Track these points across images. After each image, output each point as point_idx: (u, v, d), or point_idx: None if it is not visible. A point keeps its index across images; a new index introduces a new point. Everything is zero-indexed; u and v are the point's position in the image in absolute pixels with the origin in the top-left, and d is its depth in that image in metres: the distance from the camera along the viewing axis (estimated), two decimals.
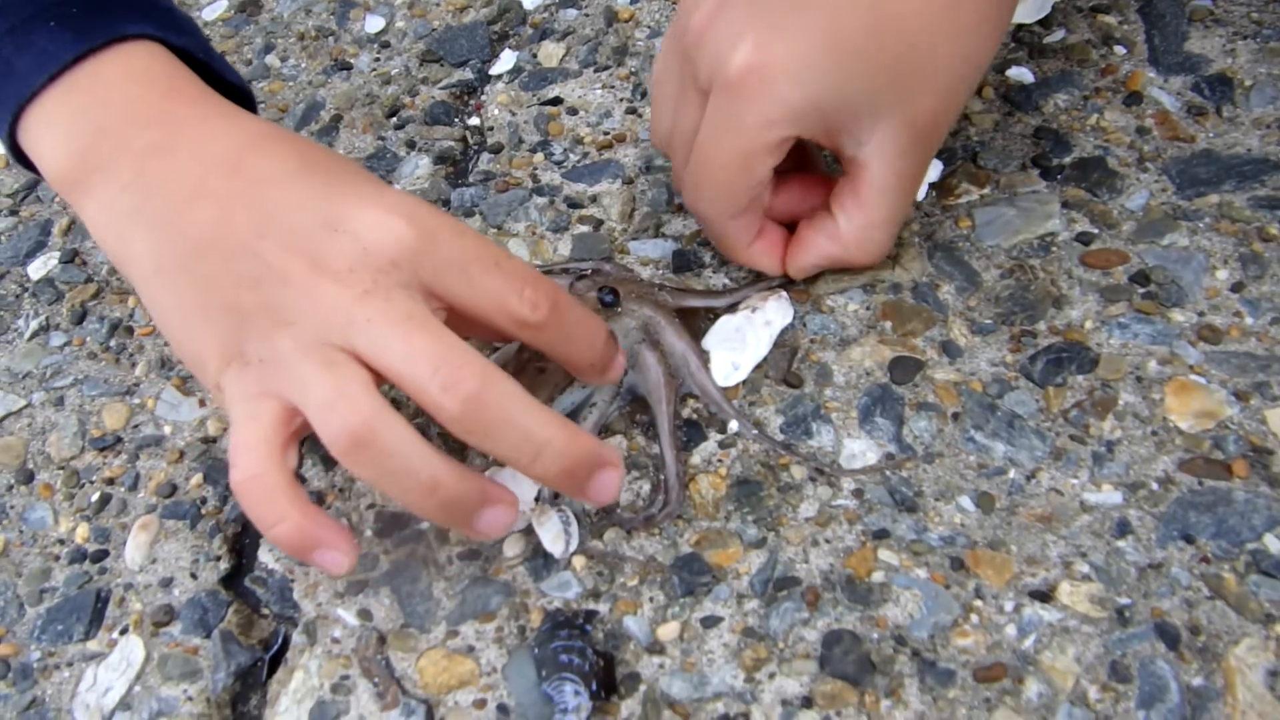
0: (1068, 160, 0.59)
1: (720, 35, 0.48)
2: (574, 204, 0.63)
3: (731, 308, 0.55)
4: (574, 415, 0.53)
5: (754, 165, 0.50)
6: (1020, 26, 0.65)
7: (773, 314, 0.55)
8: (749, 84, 0.47)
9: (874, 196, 0.50)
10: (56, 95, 0.50)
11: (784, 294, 0.55)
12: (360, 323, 0.42)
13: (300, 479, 0.55)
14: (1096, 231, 0.56)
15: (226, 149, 0.47)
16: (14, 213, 0.71)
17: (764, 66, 0.47)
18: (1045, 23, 0.65)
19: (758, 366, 0.54)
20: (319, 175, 0.46)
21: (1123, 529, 0.47)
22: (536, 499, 0.51)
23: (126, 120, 0.49)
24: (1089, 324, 0.53)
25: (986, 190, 0.58)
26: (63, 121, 0.50)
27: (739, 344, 0.54)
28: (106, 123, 0.49)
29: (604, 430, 0.53)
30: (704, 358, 0.54)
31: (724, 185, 0.51)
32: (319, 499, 0.54)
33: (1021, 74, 0.63)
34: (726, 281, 0.57)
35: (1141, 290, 0.53)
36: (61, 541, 0.55)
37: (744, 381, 0.54)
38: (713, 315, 0.55)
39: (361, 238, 0.43)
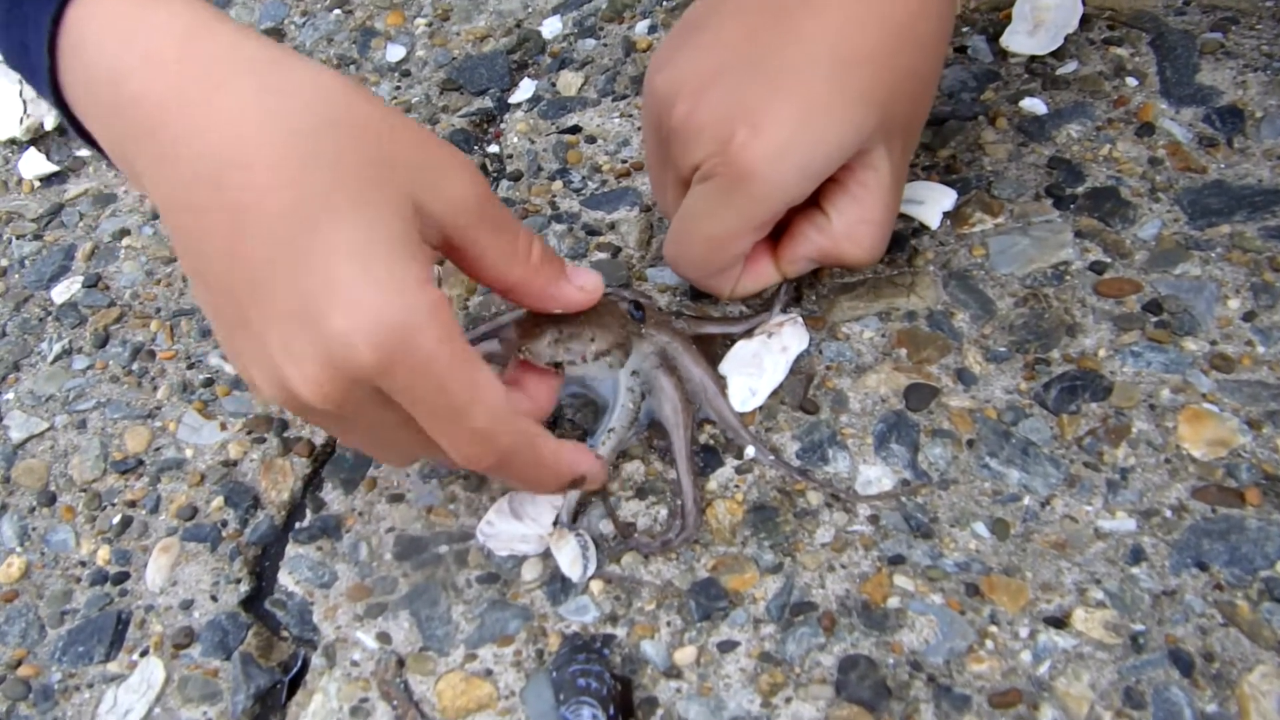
0: (1080, 190, 0.59)
1: (700, 130, 0.49)
2: (592, 231, 0.64)
3: (748, 333, 0.56)
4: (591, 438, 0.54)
5: (733, 247, 0.52)
6: (1033, 58, 0.66)
7: (789, 340, 0.55)
8: (731, 182, 0.49)
9: (864, 193, 0.51)
10: (65, 62, 0.43)
11: (799, 320, 0.56)
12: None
13: (320, 503, 0.55)
14: (1109, 261, 0.56)
15: (209, 151, 0.40)
16: (38, 237, 0.72)
17: (747, 166, 0.48)
18: (1058, 54, 0.66)
19: (774, 392, 0.54)
20: (298, 219, 0.39)
21: (1137, 556, 0.47)
22: (555, 523, 0.51)
23: (117, 97, 0.42)
24: (1102, 352, 0.53)
25: (1000, 219, 0.59)
26: (78, 98, 0.44)
27: (756, 370, 0.54)
28: (104, 103, 0.43)
29: (622, 455, 0.54)
30: (721, 384, 0.54)
31: (702, 264, 0.53)
32: (339, 523, 0.54)
33: (1035, 105, 0.63)
34: (743, 308, 0.58)
35: (1154, 319, 0.54)
36: (83, 563, 0.56)
37: (760, 407, 0.54)
38: (729, 341, 0.56)
39: (329, 352, 0.39)
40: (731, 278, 0.54)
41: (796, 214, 0.53)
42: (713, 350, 0.56)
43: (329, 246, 0.39)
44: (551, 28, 0.76)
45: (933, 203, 0.59)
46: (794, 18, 0.48)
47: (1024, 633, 0.46)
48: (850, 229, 0.52)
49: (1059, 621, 0.46)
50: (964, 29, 0.69)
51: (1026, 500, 0.50)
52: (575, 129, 0.69)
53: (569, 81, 0.72)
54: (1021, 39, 0.66)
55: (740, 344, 0.56)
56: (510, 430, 0.43)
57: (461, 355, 0.41)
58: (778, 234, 0.54)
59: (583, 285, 0.48)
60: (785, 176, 0.49)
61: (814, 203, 0.52)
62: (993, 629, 0.46)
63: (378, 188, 0.40)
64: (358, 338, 0.39)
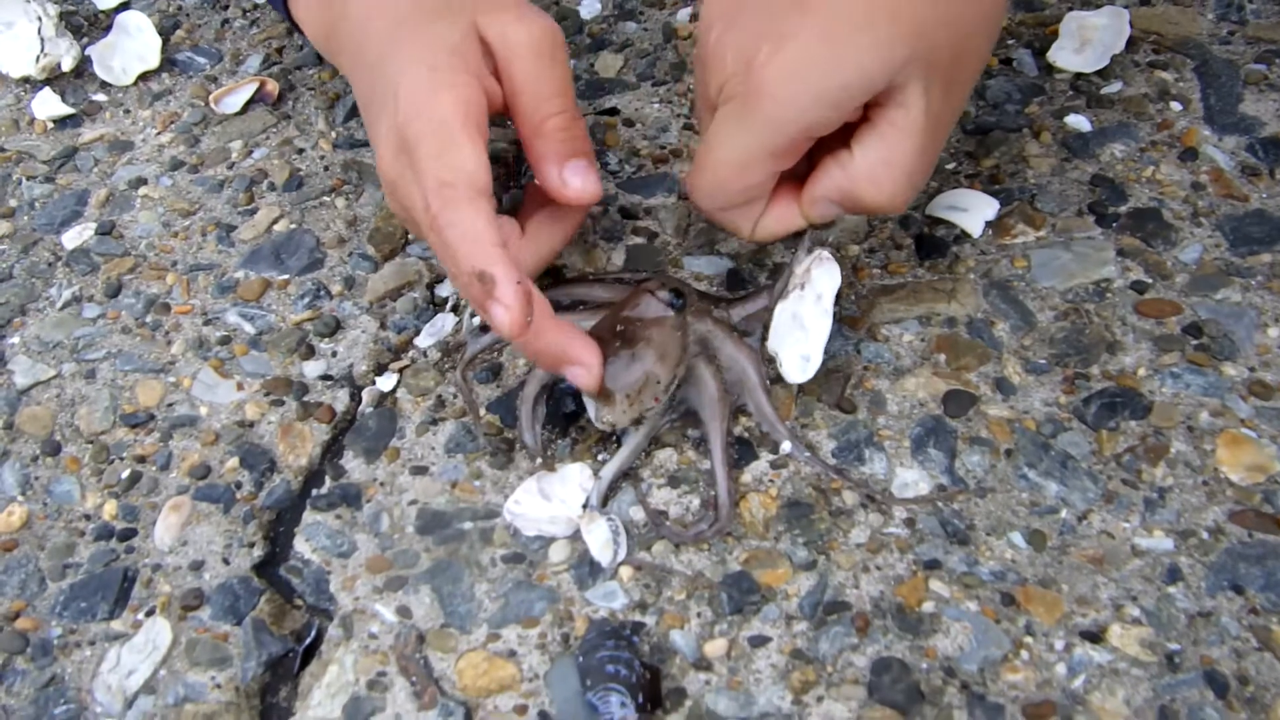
0: (1123, 209, 0.59)
1: (725, 52, 0.49)
2: (628, 215, 0.63)
3: (783, 293, 0.54)
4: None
5: (750, 174, 0.50)
6: (1079, 75, 0.66)
7: (821, 285, 0.53)
8: (747, 102, 0.48)
9: (892, 132, 0.49)
10: None
11: (825, 255, 0.54)
12: None
13: (340, 471, 0.54)
14: (1150, 281, 0.56)
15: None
16: (50, 180, 0.70)
17: (763, 84, 0.47)
18: (1103, 74, 0.66)
19: (811, 386, 0.53)
20: (387, 35, 0.54)
21: (1173, 575, 0.47)
22: (584, 506, 0.50)
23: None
24: (1142, 371, 0.53)
25: (1043, 233, 0.59)
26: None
27: (801, 332, 0.52)
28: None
29: (655, 441, 0.53)
30: (764, 372, 0.53)
31: (718, 191, 0.52)
32: (359, 493, 0.53)
33: (1079, 122, 0.63)
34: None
35: (1194, 342, 0.54)
36: (88, 517, 0.54)
37: (796, 400, 0.53)
38: (768, 320, 0.54)
39: (387, 129, 0.52)
40: (752, 215, 0.53)
41: (824, 152, 0.51)
42: (754, 336, 0.55)
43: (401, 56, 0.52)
44: (590, 8, 0.75)
45: (975, 211, 0.59)
46: None
47: (1059, 645, 0.46)
48: (872, 169, 0.49)
49: (1094, 636, 0.46)
50: (1010, 41, 0.69)
51: (1064, 513, 0.49)
52: (613, 111, 0.68)
53: (608, 63, 0.71)
54: (1068, 55, 0.66)
55: (778, 310, 0.53)
56: (450, 203, 0.48)
57: (450, 141, 0.49)
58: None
59: (570, 183, 0.53)
60: (800, 97, 0.47)
61: (845, 143, 0.50)
62: (1028, 639, 0.46)
63: (444, 15, 0.53)
64: (401, 118, 0.50)
